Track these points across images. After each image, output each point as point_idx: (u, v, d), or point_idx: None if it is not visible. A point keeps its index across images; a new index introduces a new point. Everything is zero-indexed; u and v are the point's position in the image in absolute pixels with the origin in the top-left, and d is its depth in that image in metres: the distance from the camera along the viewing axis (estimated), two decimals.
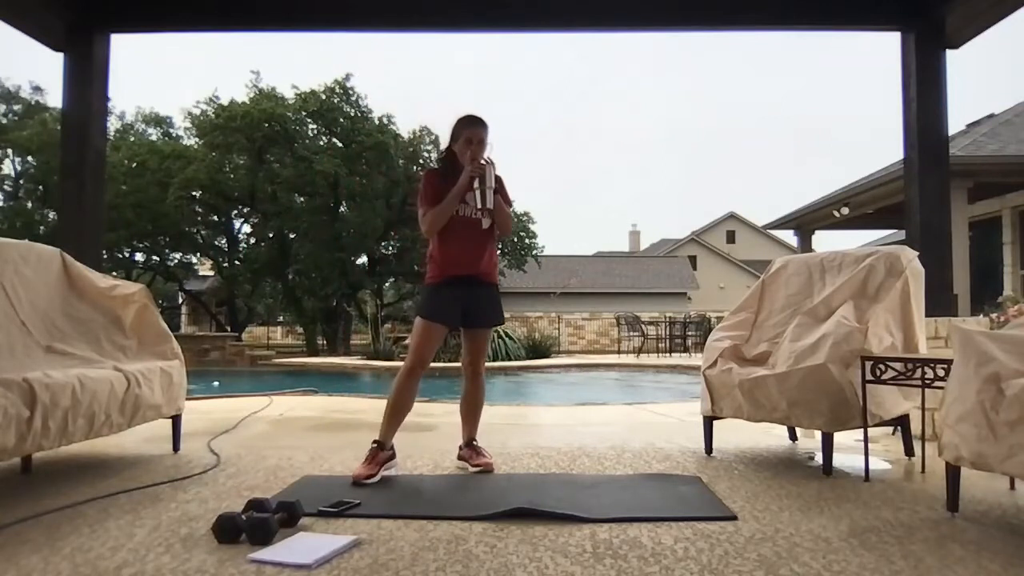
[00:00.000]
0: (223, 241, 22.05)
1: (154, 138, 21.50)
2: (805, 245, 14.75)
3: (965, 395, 2.14)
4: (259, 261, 19.67)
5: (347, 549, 1.95)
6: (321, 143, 18.85)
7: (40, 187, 20.97)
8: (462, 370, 3.20)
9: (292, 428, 4.31)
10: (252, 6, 4.68)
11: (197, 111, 19.01)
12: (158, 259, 22.21)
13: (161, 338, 3.33)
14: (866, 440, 2.89)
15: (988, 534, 2.10)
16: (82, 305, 3.28)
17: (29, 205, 21.51)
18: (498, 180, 2.97)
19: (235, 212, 21.14)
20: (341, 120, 18.39)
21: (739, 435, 3.75)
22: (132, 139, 20.74)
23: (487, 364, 3.21)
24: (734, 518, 2.25)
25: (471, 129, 2.98)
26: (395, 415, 2.90)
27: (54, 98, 21.28)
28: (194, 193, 18.81)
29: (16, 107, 22.17)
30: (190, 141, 20.40)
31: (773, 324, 3.47)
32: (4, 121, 21.47)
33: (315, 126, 19.10)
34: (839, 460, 3.03)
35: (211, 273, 25.89)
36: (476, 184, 2.87)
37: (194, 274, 26.20)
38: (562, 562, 1.86)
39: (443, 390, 6.61)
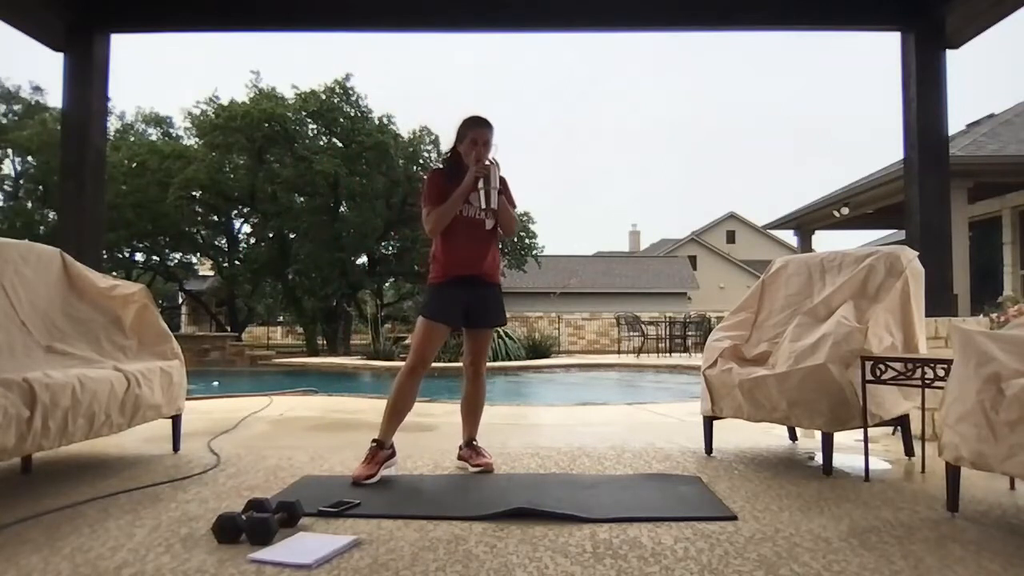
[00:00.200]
0: (223, 241, 22.06)
1: (154, 138, 21.49)
2: (805, 245, 14.75)
3: (965, 395, 2.14)
4: (259, 261, 19.68)
5: (347, 549, 1.95)
6: (321, 143, 18.85)
7: (40, 187, 20.97)
8: (463, 370, 3.20)
9: (292, 428, 4.31)
10: (252, 6, 4.68)
11: (197, 111, 19.04)
12: (158, 259, 22.22)
13: (161, 338, 3.33)
14: (866, 440, 2.89)
15: (988, 534, 2.10)
16: (82, 305, 3.28)
17: (29, 205, 21.52)
18: (502, 181, 2.98)
19: (235, 212, 21.15)
20: (341, 120, 18.39)
21: (739, 435, 3.75)
22: (132, 139, 20.74)
23: (487, 364, 3.21)
24: (734, 518, 2.25)
25: (476, 130, 2.99)
26: (395, 414, 2.90)
27: (54, 98, 21.32)
28: (194, 193, 18.81)
29: (16, 107, 22.17)
30: (190, 141, 20.40)
31: (773, 324, 3.47)
32: (4, 121, 21.47)
33: (315, 126, 19.10)
34: (839, 460, 3.03)
35: (211, 273, 25.90)
36: (480, 184, 2.87)
37: (194, 274, 26.20)
38: (562, 562, 1.86)
39: (443, 390, 6.61)
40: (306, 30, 5.32)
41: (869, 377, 2.81)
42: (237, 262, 20.82)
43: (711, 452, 3.35)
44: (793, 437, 3.74)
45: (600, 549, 1.96)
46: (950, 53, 4.26)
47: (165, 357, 3.26)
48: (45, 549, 1.93)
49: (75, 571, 1.77)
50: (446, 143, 3.07)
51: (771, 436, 3.83)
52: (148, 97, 78.12)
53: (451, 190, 2.92)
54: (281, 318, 28.30)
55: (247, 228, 21.88)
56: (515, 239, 18.99)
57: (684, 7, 4.64)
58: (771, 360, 3.17)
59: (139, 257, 22.06)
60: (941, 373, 2.57)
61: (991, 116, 12.44)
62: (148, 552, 1.91)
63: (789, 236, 20.55)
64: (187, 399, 3.45)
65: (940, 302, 3.91)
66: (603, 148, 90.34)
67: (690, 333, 16.19)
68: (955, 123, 10.07)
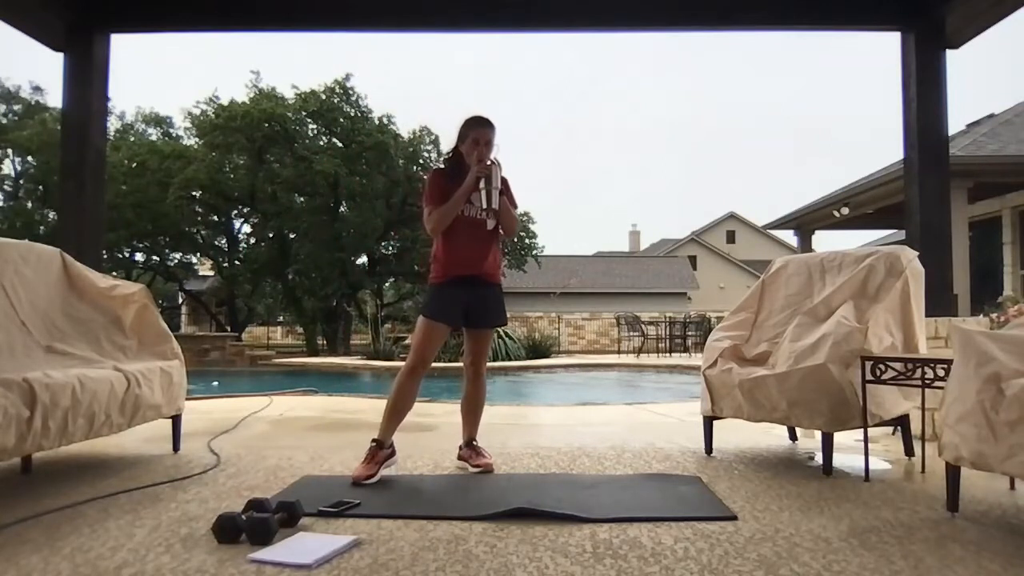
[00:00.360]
0: (223, 241, 22.07)
1: (154, 138, 21.50)
2: (805, 245, 14.75)
3: (965, 395, 2.14)
4: (259, 261, 19.68)
5: (347, 549, 1.95)
6: (321, 143, 18.86)
7: (40, 187, 20.98)
8: (463, 370, 3.20)
9: (292, 428, 4.31)
10: (252, 6, 4.68)
11: (197, 111, 19.05)
12: (158, 259, 22.22)
13: (161, 338, 3.33)
14: (866, 440, 2.89)
15: (988, 534, 2.10)
16: (82, 305, 3.28)
17: (29, 205, 21.52)
18: (504, 181, 2.98)
19: (235, 212, 21.15)
20: (341, 120, 18.40)
21: (739, 435, 3.75)
22: (132, 139, 20.75)
23: (488, 364, 3.21)
24: (734, 518, 2.25)
25: (478, 130, 2.98)
26: (395, 414, 2.90)
27: (54, 98, 21.33)
28: (194, 193, 18.81)
29: (16, 107, 22.18)
30: (190, 141, 20.41)
31: (773, 324, 3.47)
32: (4, 121, 21.47)
33: (315, 126, 19.11)
34: (839, 460, 3.03)
35: (211, 273, 25.90)
36: (482, 184, 2.87)
37: (194, 274, 26.21)
38: (562, 562, 1.86)
39: (443, 390, 6.61)
40: (306, 30, 5.31)
41: (869, 377, 2.81)
42: (237, 262, 20.82)
43: (711, 452, 3.35)
44: (793, 437, 3.75)
45: (600, 549, 1.96)
46: (950, 53, 4.26)
47: (165, 357, 3.26)
48: (45, 549, 1.93)
49: (75, 571, 1.77)
50: (446, 143, 3.06)
51: (771, 436, 3.83)
52: (148, 97, 78.20)
53: (452, 190, 2.92)
54: (281, 318, 28.30)
55: (247, 228, 21.91)
56: (515, 239, 19.00)
57: (684, 7, 4.64)
58: (771, 360, 3.17)
59: (139, 257, 22.08)
60: (941, 373, 2.57)
61: (991, 116, 12.44)
62: (148, 552, 1.91)
63: (789, 236, 20.55)
64: (187, 399, 3.45)
65: (940, 302, 3.91)
66: (603, 148, 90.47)
67: (690, 333, 16.19)
68: (955, 123, 10.08)
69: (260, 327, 28.18)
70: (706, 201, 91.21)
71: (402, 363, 3.03)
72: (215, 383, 9.65)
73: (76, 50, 4.37)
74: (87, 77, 4.35)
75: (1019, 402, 1.97)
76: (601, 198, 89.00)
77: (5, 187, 21.95)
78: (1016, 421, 1.97)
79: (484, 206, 2.90)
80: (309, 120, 18.84)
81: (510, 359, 12.32)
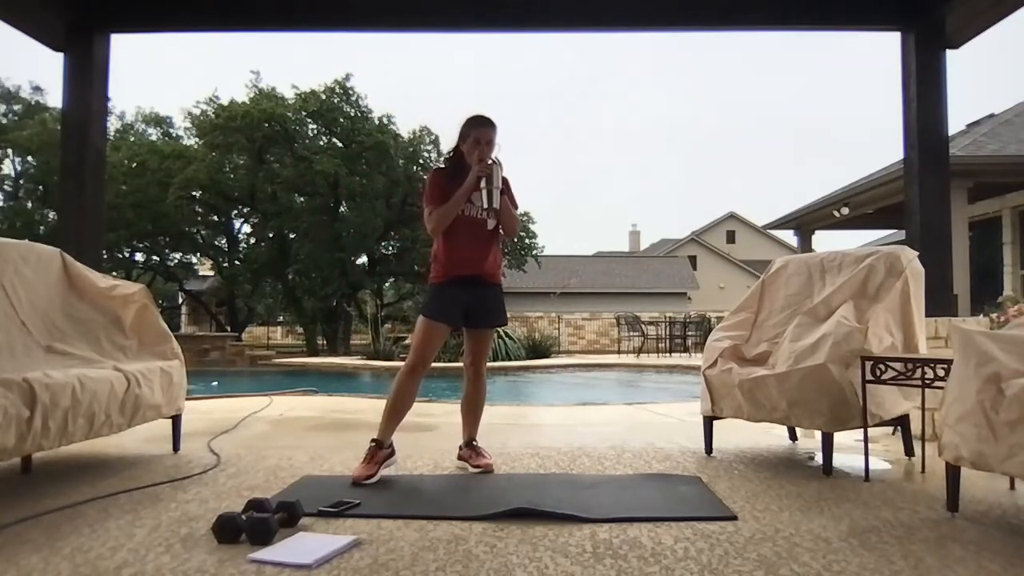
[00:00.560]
0: (223, 241, 22.07)
1: (154, 138, 21.51)
2: (805, 245, 14.75)
3: (965, 395, 2.14)
4: (259, 261, 19.68)
5: (347, 549, 1.94)
6: (321, 143, 18.86)
7: (40, 187, 20.98)
8: (463, 370, 3.20)
9: (292, 428, 4.31)
10: (252, 6, 4.68)
11: (197, 111, 19.06)
12: (158, 259, 22.22)
13: (161, 338, 3.33)
14: (866, 440, 2.89)
15: (988, 534, 2.10)
16: (82, 305, 3.28)
17: (29, 205, 21.53)
18: (505, 181, 2.97)
19: (235, 212, 21.16)
20: (341, 120, 18.40)
21: (739, 435, 3.75)
22: (132, 139, 20.75)
23: (488, 364, 3.21)
24: (734, 518, 2.25)
25: (480, 129, 2.98)
26: (395, 414, 2.90)
27: (54, 98, 21.33)
28: (194, 193, 18.82)
29: (16, 107, 22.18)
30: (190, 141, 20.42)
31: (773, 324, 3.47)
32: (4, 121, 21.48)
33: (315, 126, 19.11)
34: (839, 460, 3.03)
35: (211, 273, 25.91)
36: (483, 184, 2.86)
37: (194, 274, 26.21)
38: (562, 562, 1.86)
39: (443, 390, 6.61)
40: (306, 30, 5.32)
41: (869, 377, 2.81)
42: (237, 262, 20.83)
43: (711, 452, 3.35)
44: (793, 437, 3.74)
45: (600, 549, 1.96)
46: (950, 53, 4.26)
47: (165, 357, 3.26)
48: (45, 549, 1.93)
49: (75, 571, 1.77)
50: (446, 143, 3.05)
51: (771, 436, 3.83)
52: (148, 97, 78.21)
53: (453, 190, 2.92)
54: (281, 318, 28.30)
55: (247, 228, 21.92)
56: (515, 239, 19.00)
57: (684, 7, 4.63)
58: (771, 360, 3.17)
59: (139, 257, 22.08)
60: (941, 373, 2.57)
61: (991, 116, 12.44)
62: (148, 552, 1.91)
63: (789, 236, 20.56)
64: (187, 399, 3.45)
65: (940, 302, 3.91)
66: (603, 148, 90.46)
67: (690, 333, 16.19)
68: (955, 123, 10.07)
69: (260, 327, 28.19)
70: (706, 201, 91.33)
71: (402, 363, 3.03)
72: (215, 383, 9.65)
73: (76, 50, 4.36)
74: (87, 77, 4.34)
75: (1019, 402, 1.97)
76: (601, 198, 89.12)
77: (5, 187, 21.96)
78: (1016, 421, 1.97)
79: (485, 206, 2.90)
80: (309, 120, 18.84)
81: (510, 359, 12.32)
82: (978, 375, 2.11)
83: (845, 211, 12.14)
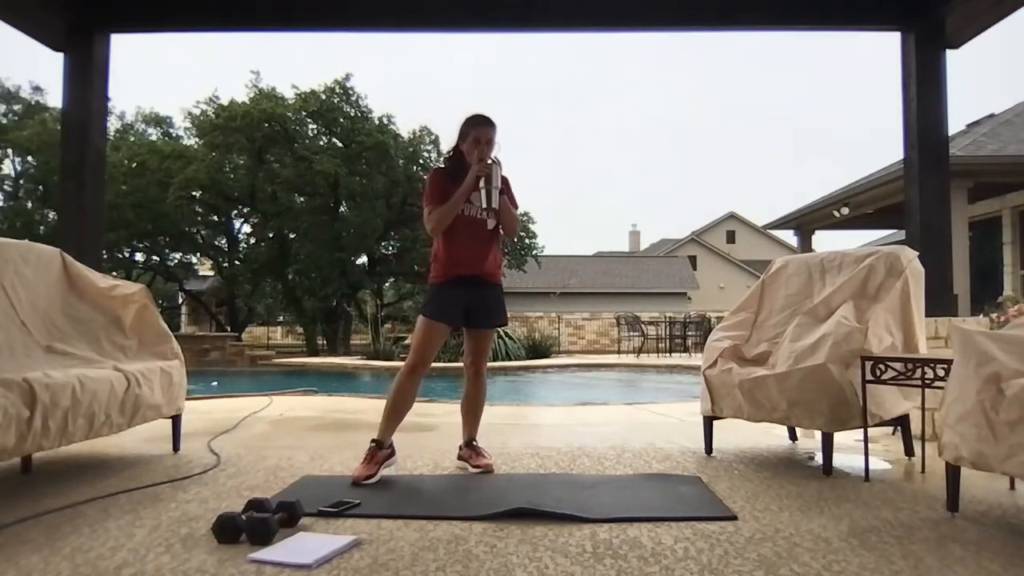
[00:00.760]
0: (223, 241, 22.07)
1: (154, 138, 21.51)
2: (805, 245, 14.75)
3: (965, 395, 2.14)
4: (259, 261, 19.68)
5: (347, 549, 1.94)
6: (321, 143, 18.86)
7: (40, 187, 20.98)
8: (463, 370, 3.20)
9: (292, 428, 4.31)
10: (252, 6, 4.68)
11: (197, 111, 19.06)
12: (158, 259, 22.22)
13: (161, 338, 3.33)
14: (866, 440, 2.89)
15: (988, 534, 2.10)
16: (82, 305, 3.28)
17: (29, 205, 21.53)
18: (504, 181, 2.97)
19: (235, 212, 21.16)
20: (341, 120, 18.40)
21: (739, 435, 3.75)
22: (132, 139, 20.75)
23: (488, 364, 3.20)
24: (734, 518, 2.25)
25: (479, 129, 2.98)
26: (395, 414, 2.90)
27: (54, 98, 21.33)
28: (194, 193, 18.82)
29: (16, 107, 22.18)
30: (190, 141, 20.42)
31: (773, 324, 3.47)
32: (4, 121, 21.48)
33: (315, 126, 19.11)
34: (839, 460, 3.02)
35: (211, 273, 25.90)
36: (482, 184, 2.86)
37: (194, 274, 26.21)
38: (562, 562, 1.86)
39: (443, 390, 6.61)
40: (306, 30, 5.31)
41: (869, 377, 2.81)
42: (237, 262, 20.82)
43: (711, 452, 3.35)
44: (793, 437, 3.74)
45: (600, 549, 1.96)
46: (950, 53, 4.26)
47: (165, 357, 3.26)
48: (45, 549, 1.93)
49: (75, 571, 1.77)
50: (446, 143, 3.06)
51: (771, 436, 3.83)
52: (148, 97, 78.24)
53: (453, 189, 2.92)
54: (281, 318, 28.30)
55: (247, 228, 21.92)
56: (515, 239, 19.00)
57: (684, 7, 4.63)
58: (771, 360, 3.17)
59: (139, 257, 22.08)
60: (941, 373, 2.57)
61: (991, 116, 12.44)
62: (148, 552, 1.91)
63: (789, 236, 20.55)
64: (187, 399, 3.45)
65: (940, 302, 3.91)
66: (603, 148, 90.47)
67: (690, 333, 16.19)
68: (955, 123, 10.08)
69: (260, 327, 28.18)
70: (706, 201, 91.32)
71: (402, 363, 3.02)
72: (215, 383, 9.65)
73: (76, 50, 4.36)
74: (87, 77, 4.34)
75: (1019, 402, 1.97)
76: (601, 198, 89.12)
77: (5, 187, 21.96)
78: (1016, 421, 1.97)
79: (484, 205, 2.89)
80: (309, 120, 18.84)
81: (510, 359, 12.32)
82: (978, 375, 2.11)
83: (845, 211, 12.14)
